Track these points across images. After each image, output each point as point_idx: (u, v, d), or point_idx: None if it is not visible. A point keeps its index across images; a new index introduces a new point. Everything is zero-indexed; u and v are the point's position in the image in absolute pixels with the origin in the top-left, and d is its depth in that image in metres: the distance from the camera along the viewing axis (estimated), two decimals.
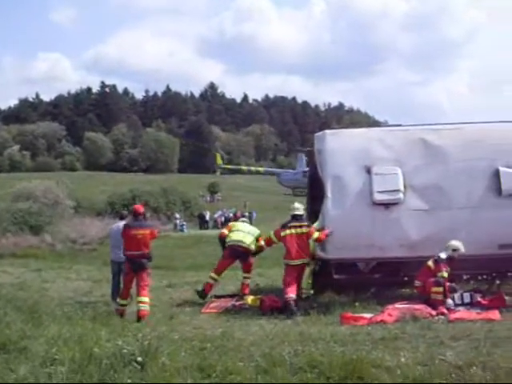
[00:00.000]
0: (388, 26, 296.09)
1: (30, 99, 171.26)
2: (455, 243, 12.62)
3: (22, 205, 44.28)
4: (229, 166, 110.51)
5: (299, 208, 14.52)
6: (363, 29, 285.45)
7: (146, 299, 13.26)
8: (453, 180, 13.76)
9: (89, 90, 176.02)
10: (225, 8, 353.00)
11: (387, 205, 13.69)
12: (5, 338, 8.74)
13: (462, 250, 12.55)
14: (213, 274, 15.63)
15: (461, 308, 12.09)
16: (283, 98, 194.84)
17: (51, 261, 30.85)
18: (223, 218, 62.84)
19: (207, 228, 58.36)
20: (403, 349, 8.15)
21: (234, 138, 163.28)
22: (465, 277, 13.44)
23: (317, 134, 15.19)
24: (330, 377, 6.90)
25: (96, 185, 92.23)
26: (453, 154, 14.01)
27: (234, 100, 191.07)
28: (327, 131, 15.17)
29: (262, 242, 15.63)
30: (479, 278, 13.67)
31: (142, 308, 13.05)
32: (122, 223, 14.96)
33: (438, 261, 12.51)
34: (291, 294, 13.59)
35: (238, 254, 15.65)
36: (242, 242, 15.69)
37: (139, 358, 7.42)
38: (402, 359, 7.41)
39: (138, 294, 13.33)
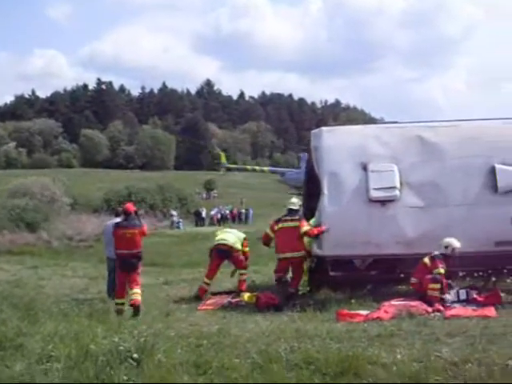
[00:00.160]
0: (385, 23, 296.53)
1: (26, 96, 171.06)
2: (447, 240, 12.64)
3: (19, 201, 44.20)
4: (233, 166, 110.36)
5: (294, 203, 14.76)
6: (360, 26, 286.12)
7: (138, 291, 13.51)
8: (449, 177, 13.78)
9: (85, 86, 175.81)
10: (221, 4, 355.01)
11: (383, 202, 13.71)
12: (1, 335, 8.72)
13: (455, 245, 12.57)
14: (206, 280, 15.73)
15: (456, 305, 12.11)
16: (280, 95, 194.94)
17: (47, 258, 30.79)
18: (219, 215, 62.94)
19: (203, 225, 58.38)
20: (399, 345, 8.16)
21: (230, 135, 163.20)
22: (461, 274, 13.43)
23: (313, 131, 15.22)
24: (326, 373, 6.91)
25: (92, 182, 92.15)
26: (449, 151, 14.04)
27: (230, 97, 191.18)
28: (324, 128, 15.20)
29: (247, 249, 16.07)
30: (475, 274, 13.66)
31: (134, 297, 13.32)
32: (116, 220, 15.02)
33: (434, 258, 12.53)
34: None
35: (222, 253, 15.76)
36: (224, 239, 15.91)
37: (135, 355, 7.42)
38: (398, 356, 7.42)
39: (130, 288, 13.60)
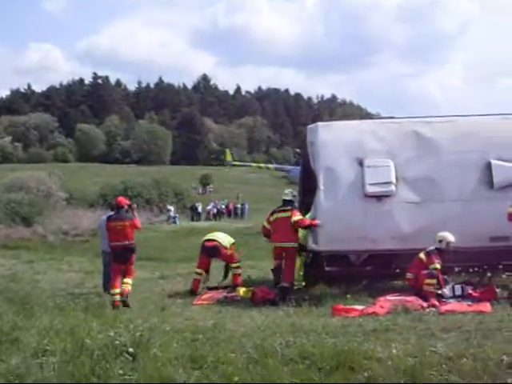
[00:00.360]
0: (381, 18, 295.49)
1: (22, 90, 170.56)
2: (440, 234, 12.67)
3: (14, 196, 44.13)
4: (238, 163, 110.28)
5: (287, 193, 14.91)
6: (356, 21, 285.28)
7: (129, 281, 13.94)
8: (445, 172, 13.80)
9: (81, 81, 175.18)
10: None
11: (379, 197, 13.73)
12: None
13: (449, 239, 12.59)
14: (197, 270, 15.91)
15: (452, 300, 12.13)
16: (276, 90, 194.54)
17: (43, 252, 30.81)
18: (215, 210, 62.88)
19: (199, 220, 58.34)
20: (394, 340, 8.17)
21: (226, 130, 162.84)
22: (456, 269, 13.46)
23: (309, 126, 15.24)
24: (322, 368, 6.92)
25: (88, 176, 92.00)
26: (445, 146, 14.07)
27: (226, 92, 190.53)
28: (320, 123, 15.20)
29: (229, 251, 16.08)
30: (470, 270, 13.69)
31: (124, 287, 13.72)
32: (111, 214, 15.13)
33: (429, 253, 12.56)
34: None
35: (210, 251, 15.91)
36: (212, 235, 16.36)
37: (131, 349, 7.43)
38: (394, 351, 7.43)
39: (123, 277, 13.92)
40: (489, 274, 13.62)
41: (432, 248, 12.60)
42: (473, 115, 15.23)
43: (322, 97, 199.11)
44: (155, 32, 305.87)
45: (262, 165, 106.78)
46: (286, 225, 14.25)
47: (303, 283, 14.83)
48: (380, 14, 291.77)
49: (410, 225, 13.58)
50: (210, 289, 15.69)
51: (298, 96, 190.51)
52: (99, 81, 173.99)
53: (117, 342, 7.65)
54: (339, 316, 10.96)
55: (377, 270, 14.91)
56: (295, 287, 14.53)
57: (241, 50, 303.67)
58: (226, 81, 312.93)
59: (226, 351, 7.70)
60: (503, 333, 8.44)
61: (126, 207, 14.48)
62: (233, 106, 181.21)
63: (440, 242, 12.63)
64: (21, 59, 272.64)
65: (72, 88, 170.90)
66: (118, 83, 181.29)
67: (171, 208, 55.49)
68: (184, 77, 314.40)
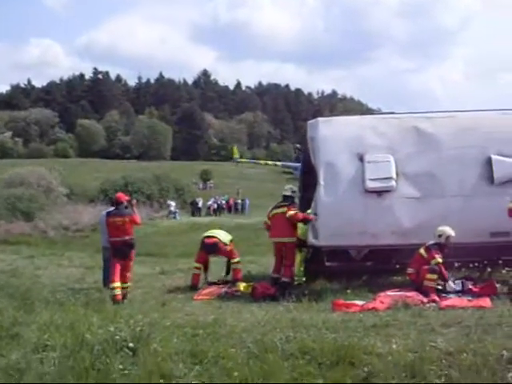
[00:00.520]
0: (382, 13, 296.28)
1: (22, 85, 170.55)
2: (440, 228, 12.67)
3: (15, 191, 44.12)
4: (245, 160, 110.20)
5: (287, 189, 15.06)
6: (357, 16, 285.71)
7: (126, 285, 14.03)
8: (445, 168, 13.80)
9: (81, 76, 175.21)
10: None
11: (380, 192, 13.73)
12: None
13: (449, 233, 12.58)
14: (195, 264, 16.00)
15: (452, 295, 12.14)
16: (276, 86, 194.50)
17: (43, 248, 30.81)
18: (216, 206, 62.85)
19: (200, 215, 58.31)
20: (395, 336, 8.18)
21: (226, 126, 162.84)
22: (456, 264, 13.46)
23: (310, 122, 15.22)
24: (322, 363, 6.93)
25: (89, 171, 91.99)
26: (445, 141, 14.05)
27: (227, 87, 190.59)
28: (320, 119, 15.22)
29: (229, 247, 16.13)
30: (471, 265, 13.70)
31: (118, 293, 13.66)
32: (112, 209, 15.15)
33: (429, 248, 12.56)
34: (273, 274, 14.70)
35: (209, 247, 15.95)
36: (211, 232, 16.46)
37: (131, 344, 7.44)
38: (394, 346, 7.44)
39: (121, 280, 13.90)
40: (489, 270, 13.63)
41: (432, 243, 12.60)
42: (473, 110, 15.23)
43: (323, 92, 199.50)
44: (155, 27, 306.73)
45: (269, 162, 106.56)
46: (282, 220, 14.36)
47: (304, 278, 14.85)
48: (381, 9, 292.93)
49: (411, 220, 13.58)
50: (211, 284, 15.71)
51: (298, 91, 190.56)
52: (99, 76, 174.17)
53: (117, 337, 7.65)
54: (339, 311, 10.96)
55: (377, 266, 14.92)
56: (296, 282, 14.57)
57: (241, 45, 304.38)
58: (226, 76, 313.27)
59: (226, 346, 7.71)
60: (503, 328, 8.44)
61: (125, 203, 14.52)
62: (233, 101, 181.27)
63: (440, 236, 12.63)
64: (21, 54, 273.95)
65: (72, 83, 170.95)
66: (119, 78, 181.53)
67: (172, 203, 55.45)
68: (184, 72, 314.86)
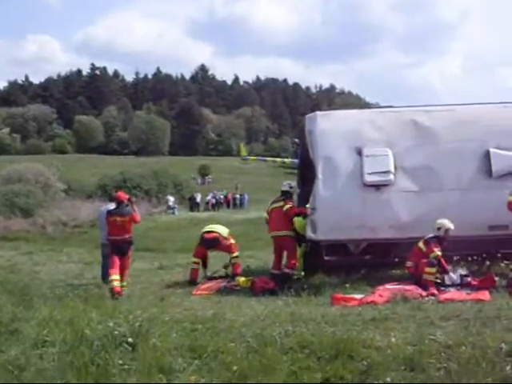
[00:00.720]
0: (379, 7, 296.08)
1: (20, 81, 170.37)
2: (439, 221, 12.67)
3: (13, 187, 44.07)
4: (253, 157, 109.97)
5: (284, 185, 15.21)
6: (355, 9, 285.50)
7: (124, 283, 14.17)
8: (443, 161, 13.80)
9: (79, 72, 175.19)
10: None
11: (378, 186, 13.73)
12: None
13: (447, 226, 12.58)
14: (194, 259, 16.03)
15: (451, 289, 12.15)
16: (274, 80, 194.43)
17: (42, 244, 30.84)
18: (214, 201, 62.82)
19: (198, 210, 58.31)
20: (394, 329, 8.18)
21: (224, 120, 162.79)
22: (455, 258, 13.47)
23: (308, 116, 15.20)
24: (321, 356, 6.93)
25: (87, 167, 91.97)
26: (443, 135, 14.05)
27: (224, 82, 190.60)
28: (318, 113, 15.21)
29: (232, 241, 16.22)
30: (469, 259, 13.71)
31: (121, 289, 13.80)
32: (110, 205, 15.37)
33: (428, 241, 12.57)
34: (272, 270, 14.74)
35: (209, 242, 15.97)
36: (211, 227, 16.50)
37: (130, 340, 7.43)
38: (393, 339, 7.44)
39: (120, 272, 14.04)
40: (488, 263, 13.64)
41: (430, 236, 12.61)
42: (471, 104, 15.22)
43: (321, 86, 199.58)
44: (153, 22, 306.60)
45: (277, 159, 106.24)
46: (279, 214, 14.50)
47: (302, 273, 14.86)
48: (379, 2, 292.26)
49: (409, 214, 13.59)
50: (210, 279, 15.73)
51: (296, 86, 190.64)
52: (97, 72, 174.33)
53: (116, 333, 7.65)
54: (338, 305, 10.96)
55: (376, 259, 14.92)
56: (295, 277, 14.56)
57: (239, 40, 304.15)
58: (224, 71, 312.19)
59: (225, 341, 7.71)
60: (502, 321, 8.45)
61: (125, 202, 14.65)
62: (231, 96, 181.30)
63: (439, 229, 12.63)
64: (18, 50, 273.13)
65: (70, 79, 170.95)
66: (116, 74, 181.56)
67: (170, 198, 55.46)
68: (182, 67, 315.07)
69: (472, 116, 14.31)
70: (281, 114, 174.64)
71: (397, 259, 14.24)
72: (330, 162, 13.97)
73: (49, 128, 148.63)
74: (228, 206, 64.99)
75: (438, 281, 12.38)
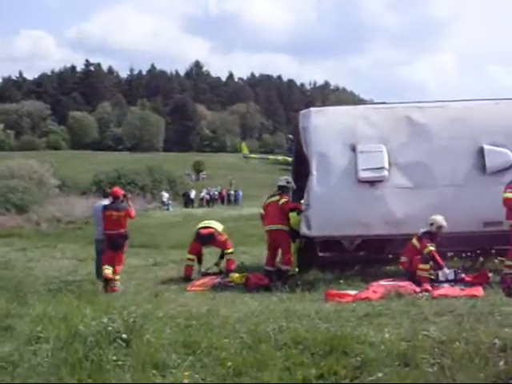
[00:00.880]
0: (374, 4, 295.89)
1: (14, 78, 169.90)
2: (432, 217, 12.67)
3: (9, 183, 44.00)
4: (254, 156, 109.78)
5: (281, 180, 15.20)
6: (349, 6, 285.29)
7: (118, 277, 14.31)
8: (437, 158, 13.80)
9: (73, 68, 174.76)
10: None
11: (372, 182, 13.73)
12: None
13: (439, 223, 12.59)
14: (188, 256, 16.08)
15: (445, 285, 12.17)
16: (269, 77, 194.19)
17: (36, 240, 30.80)
18: (208, 197, 62.84)
19: (192, 207, 58.30)
20: (387, 325, 8.19)
21: (219, 117, 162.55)
22: (449, 254, 13.49)
23: (302, 112, 15.20)
24: (315, 352, 6.94)
25: (81, 163, 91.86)
26: (437, 131, 14.06)
27: (219, 78, 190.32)
28: (312, 109, 15.21)
29: (224, 237, 16.31)
30: (463, 255, 13.74)
31: (114, 285, 14.05)
32: (105, 201, 15.46)
33: (421, 238, 12.59)
34: (266, 266, 14.71)
35: (205, 238, 16.03)
36: (206, 223, 16.59)
37: (124, 336, 7.43)
38: (386, 335, 7.46)
39: (113, 272, 14.21)
40: (482, 259, 13.67)
41: (423, 231, 12.62)
42: (465, 100, 15.23)
43: (315, 83, 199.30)
44: (147, 19, 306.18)
45: (279, 157, 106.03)
46: (274, 209, 14.48)
47: (297, 269, 14.86)
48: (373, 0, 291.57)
49: (403, 210, 13.59)
50: (204, 275, 15.73)
51: (290, 82, 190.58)
52: (91, 68, 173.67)
53: (110, 329, 7.64)
54: (332, 301, 10.96)
55: (370, 255, 14.95)
56: (289, 273, 14.56)
57: (233, 37, 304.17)
58: (218, 67, 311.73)
59: (219, 337, 7.72)
60: (495, 316, 8.46)
61: (121, 197, 14.83)
62: (225, 92, 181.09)
63: (431, 225, 12.65)
64: (12, 46, 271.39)
65: (64, 75, 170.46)
66: (111, 70, 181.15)
67: (165, 194, 55.47)
68: (176, 63, 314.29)
69: (466, 113, 14.32)
70: (275, 110, 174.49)
71: (391, 255, 14.27)
72: (324, 158, 13.97)
73: (43, 124, 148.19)
74: (222, 202, 65.02)
75: (432, 277, 12.39)
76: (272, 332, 7.82)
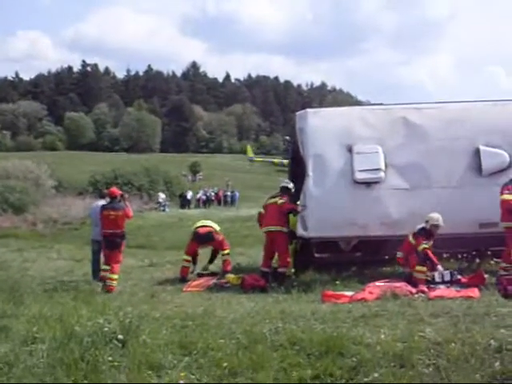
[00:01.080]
0: (371, 5, 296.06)
1: (10, 78, 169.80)
2: (430, 215, 12.66)
3: (8, 183, 43.96)
4: (260, 159, 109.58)
5: (284, 182, 15.24)
6: (346, 7, 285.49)
7: (116, 276, 14.24)
8: (434, 159, 13.82)
9: (70, 68, 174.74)
10: None
11: (368, 183, 13.74)
12: None
13: (434, 221, 12.59)
14: (185, 257, 16.04)
15: (441, 286, 12.18)
16: (265, 78, 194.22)
17: (32, 240, 30.77)
18: (205, 198, 62.82)
19: (189, 207, 58.29)
20: (383, 326, 8.20)
21: (216, 118, 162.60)
22: (445, 255, 13.51)
23: (298, 113, 15.19)
24: (311, 353, 6.94)
25: (77, 164, 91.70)
26: (434, 132, 14.06)
27: (216, 79, 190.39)
28: (309, 110, 15.16)
29: (221, 237, 16.31)
30: (459, 256, 13.76)
31: (110, 284, 14.01)
32: (101, 202, 15.46)
33: (416, 235, 12.61)
34: (262, 267, 14.58)
35: (202, 237, 16.09)
36: (204, 222, 16.69)
37: (120, 336, 7.43)
38: (382, 336, 7.46)
39: (110, 271, 14.28)
40: (477, 260, 13.69)
41: (419, 228, 12.63)
42: (462, 101, 15.24)
43: (312, 84, 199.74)
44: (144, 19, 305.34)
45: (285, 161, 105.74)
46: (274, 209, 14.44)
47: (293, 270, 14.86)
48: (370, 0, 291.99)
49: (399, 211, 13.60)
50: (200, 275, 15.73)
51: (287, 83, 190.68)
52: (88, 68, 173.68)
53: (106, 329, 7.65)
54: (329, 302, 10.97)
55: (366, 257, 14.93)
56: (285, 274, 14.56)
57: (230, 38, 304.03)
58: (215, 68, 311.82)
59: (215, 337, 7.73)
60: (491, 318, 8.48)
61: (118, 197, 14.89)
62: (222, 93, 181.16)
63: (426, 222, 12.66)
64: (8, 47, 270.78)
65: (60, 76, 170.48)
66: (107, 71, 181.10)
67: (161, 195, 55.46)
68: (173, 64, 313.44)
69: (462, 114, 14.33)
70: (272, 111, 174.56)
71: (387, 256, 14.26)
72: (320, 159, 13.98)
73: (39, 125, 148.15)
74: (219, 203, 64.96)
75: (429, 278, 12.40)
76: (268, 333, 7.84)
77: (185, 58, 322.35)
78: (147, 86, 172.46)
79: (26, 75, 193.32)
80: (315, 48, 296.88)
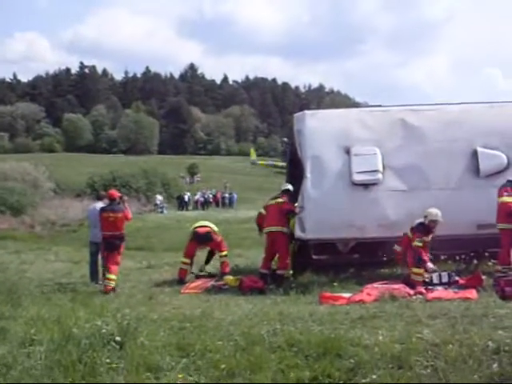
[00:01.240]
0: (369, 6, 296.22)
1: (8, 80, 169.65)
2: (429, 210, 12.64)
3: (2, 185, 43.92)
4: (263, 163, 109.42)
5: (286, 184, 15.26)
6: (343, 9, 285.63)
7: (114, 277, 14.20)
8: (431, 160, 13.84)
9: (68, 70, 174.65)
10: None
11: (366, 185, 13.76)
12: None
13: (432, 217, 12.55)
14: (183, 259, 15.97)
15: (438, 287, 12.18)
16: (263, 79, 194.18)
17: (30, 242, 30.72)
18: (203, 199, 62.81)
19: (187, 209, 58.28)
20: (381, 327, 8.20)
21: (213, 120, 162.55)
22: (442, 257, 13.51)
23: (296, 115, 15.22)
24: (309, 355, 6.95)
25: (75, 166, 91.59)
26: (431, 134, 14.09)
27: (213, 81, 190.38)
28: (307, 111, 15.20)
29: (220, 238, 16.23)
30: (457, 258, 13.77)
31: (107, 284, 14.01)
32: (99, 204, 15.48)
33: (413, 229, 12.62)
34: (261, 269, 14.65)
35: (201, 237, 16.03)
36: (202, 222, 16.61)
37: (118, 338, 7.43)
38: (380, 337, 7.47)
39: (108, 271, 14.28)
40: (475, 262, 13.69)
41: (417, 222, 12.62)
42: (460, 103, 15.25)
43: (310, 86, 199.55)
44: (142, 21, 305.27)
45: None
46: (275, 210, 14.51)
47: (291, 272, 14.85)
48: (367, 2, 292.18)
49: (397, 213, 13.60)
50: (198, 277, 15.71)
51: (285, 85, 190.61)
52: (86, 70, 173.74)
53: (104, 331, 7.65)
54: (326, 304, 10.97)
55: (364, 258, 14.95)
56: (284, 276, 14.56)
57: (228, 39, 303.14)
58: (213, 70, 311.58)
59: (213, 339, 7.74)
60: (489, 319, 8.49)
61: (117, 199, 14.92)
62: (220, 95, 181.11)
63: (425, 217, 12.64)
64: (6, 48, 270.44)
65: (59, 77, 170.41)
66: (105, 73, 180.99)
67: (159, 197, 55.46)
68: (171, 66, 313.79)
69: (460, 115, 14.36)
70: (270, 113, 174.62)
71: (385, 258, 14.27)
72: (318, 161, 13.99)
73: (37, 126, 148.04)
74: (217, 205, 64.93)
75: (427, 280, 12.40)
76: (266, 334, 7.84)
77: (182, 59, 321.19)
78: (145, 87, 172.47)
79: (24, 77, 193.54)
80: (313, 50, 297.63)
